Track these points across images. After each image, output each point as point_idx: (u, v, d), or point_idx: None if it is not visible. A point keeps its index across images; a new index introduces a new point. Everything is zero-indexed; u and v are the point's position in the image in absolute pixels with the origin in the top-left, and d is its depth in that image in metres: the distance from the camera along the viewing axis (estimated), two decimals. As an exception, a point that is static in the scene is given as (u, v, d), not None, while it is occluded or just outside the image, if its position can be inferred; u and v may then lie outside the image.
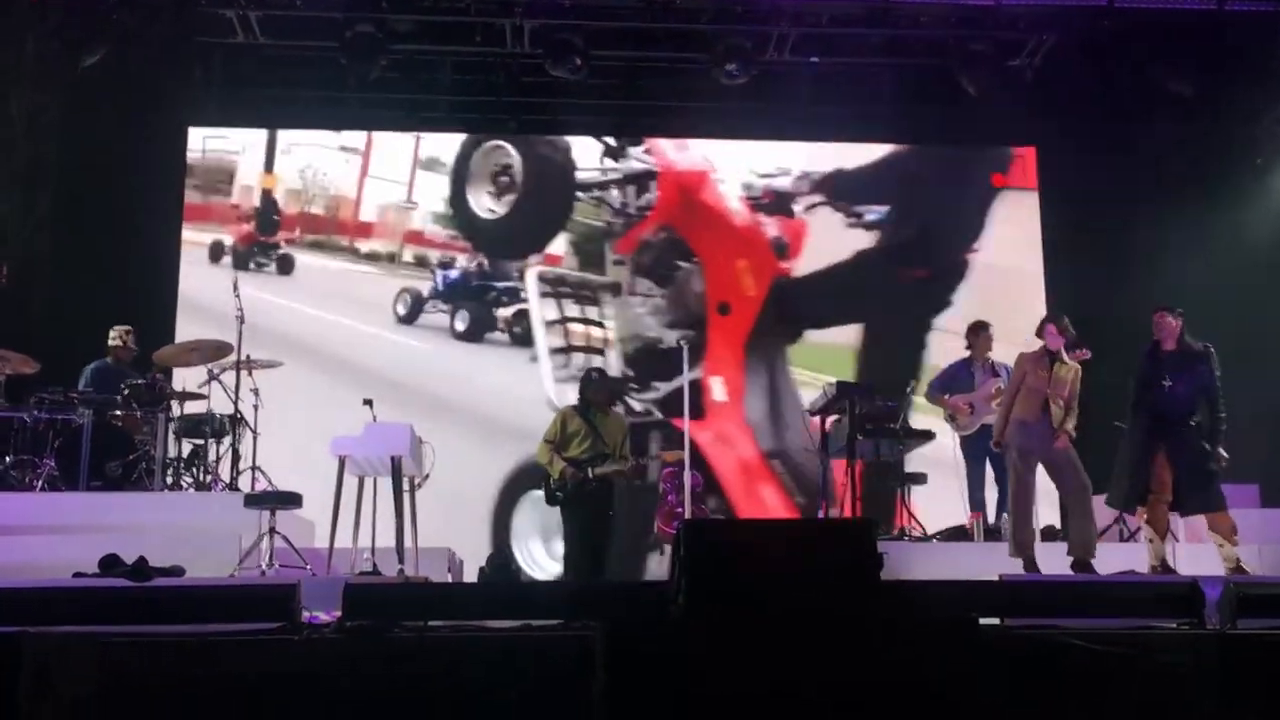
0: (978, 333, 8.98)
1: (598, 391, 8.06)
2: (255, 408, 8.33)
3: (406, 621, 5.04)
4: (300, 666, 4.69)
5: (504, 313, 10.89)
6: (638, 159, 11.14)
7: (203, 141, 10.99)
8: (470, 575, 8.32)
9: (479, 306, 10.89)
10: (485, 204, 11.01)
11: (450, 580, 7.72)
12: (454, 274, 10.94)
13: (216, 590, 5.36)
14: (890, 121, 11.08)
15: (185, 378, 8.79)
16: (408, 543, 7.03)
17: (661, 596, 4.82)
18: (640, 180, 11.16)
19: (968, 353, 8.98)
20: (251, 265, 10.92)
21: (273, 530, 6.84)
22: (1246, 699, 4.79)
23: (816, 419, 8.21)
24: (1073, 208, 11.10)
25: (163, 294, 10.52)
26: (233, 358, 8.23)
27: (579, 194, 11.12)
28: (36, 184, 9.85)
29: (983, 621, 5.15)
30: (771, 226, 11.19)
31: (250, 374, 8.37)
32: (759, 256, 11.07)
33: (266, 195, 11.07)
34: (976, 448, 8.72)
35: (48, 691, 3.81)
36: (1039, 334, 7.60)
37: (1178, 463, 7.16)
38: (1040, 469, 7.42)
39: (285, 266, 10.98)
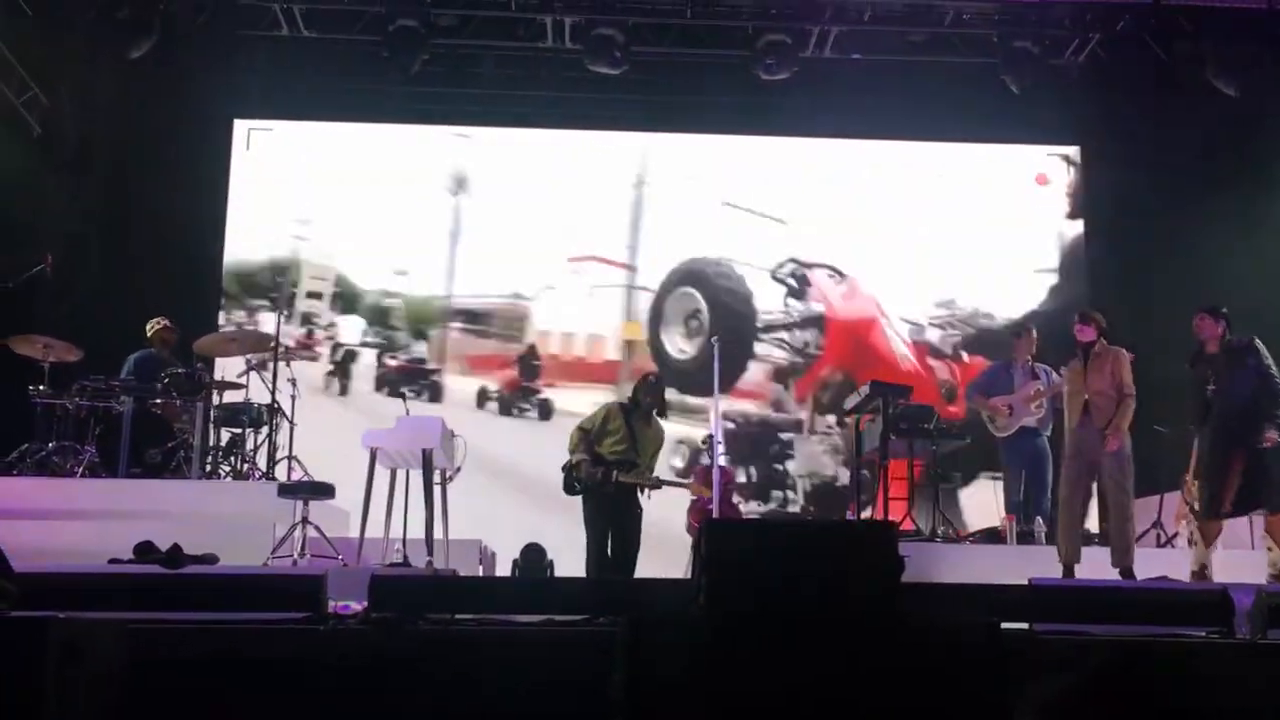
0: (1019, 335, 8.92)
1: (650, 394, 7.95)
2: (293, 398, 8.43)
3: (431, 614, 5.08)
4: (325, 656, 4.73)
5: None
6: (814, 301, 11.30)
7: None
8: (503, 568, 8.36)
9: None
10: (678, 344, 11.24)
11: (481, 572, 7.77)
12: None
13: (245, 579, 5.42)
14: (933, 119, 10.98)
15: (225, 367, 8.92)
16: (438, 534, 7.09)
17: (684, 594, 4.82)
18: (817, 323, 11.31)
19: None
20: (514, 411, 11.13)
21: (305, 520, 6.92)
22: (1276, 710, 4.72)
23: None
24: (1118, 206, 10.98)
25: (207, 284, 10.66)
26: (271, 348, 8.31)
27: (761, 335, 11.26)
28: (83, 172, 10.01)
29: (1010, 626, 5.15)
30: (941, 370, 11.18)
31: (289, 364, 8.47)
32: (927, 399, 10.49)
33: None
34: (1015, 450, 8.67)
35: (73, 675, 3.87)
36: (1073, 332, 7.55)
37: (1248, 464, 7.05)
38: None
39: (546, 412, 11.14)
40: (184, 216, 10.43)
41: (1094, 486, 7.52)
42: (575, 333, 11.31)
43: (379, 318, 11.17)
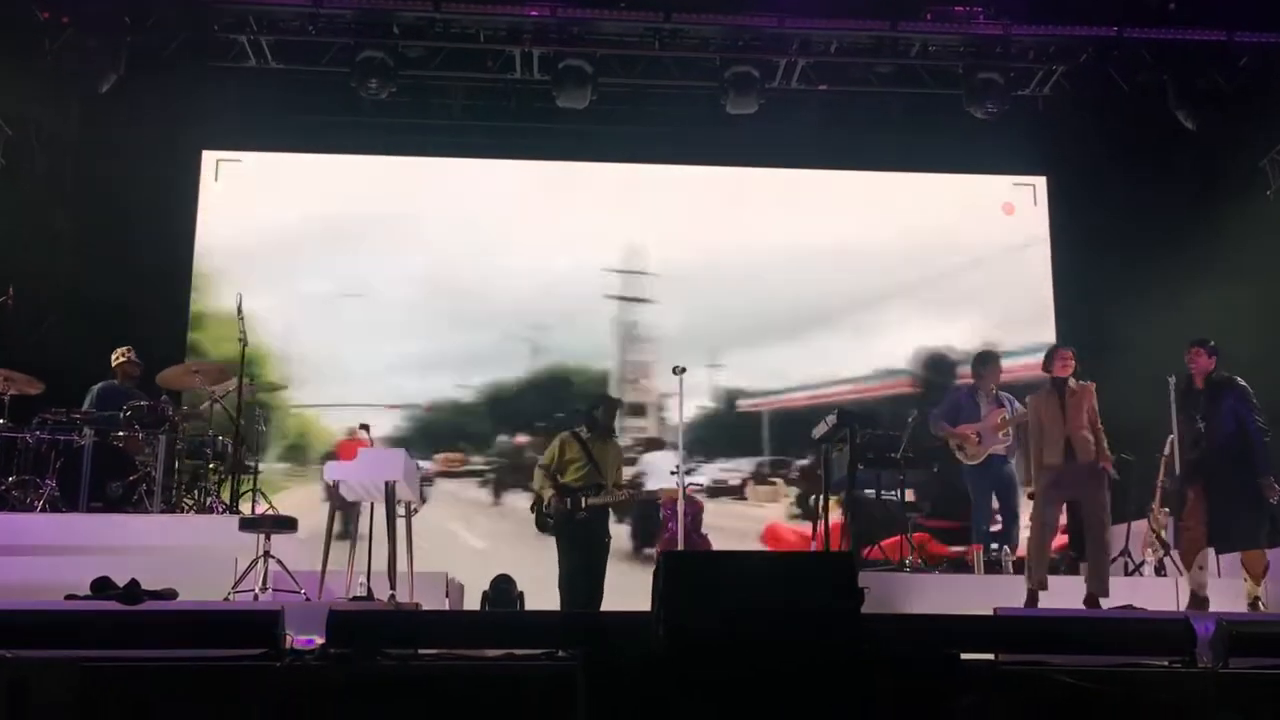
0: (985, 363, 8.94)
1: (607, 414, 8.09)
2: (258, 430, 8.38)
3: (390, 649, 5.03)
4: (281, 693, 4.69)
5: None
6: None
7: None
8: (471, 600, 8.30)
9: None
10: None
11: (447, 605, 7.71)
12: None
13: (202, 615, 5.36)
14: (900, 150, 11.07)
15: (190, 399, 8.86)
16: (402, 567, 7.02)
17: (643, 627, 4.79)
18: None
19: (972, 381, 8.94)
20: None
21: (267, 554, 6.85)
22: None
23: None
24: (1083, 237, 11.07)
25: (173, 316, 10.59)
26: (235, 381, 8.26)
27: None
28: (51, 205, 9.95)
29: (975, 657, 5.14)
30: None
31: (253, 396, 8.42)
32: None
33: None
34: (983, 478, 8.68)
35: (21, 715, 3.81)
36: (1046, 365, 7.57)
37: (1212, 499, 7.14)
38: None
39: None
40: (151, 248, 10.36)
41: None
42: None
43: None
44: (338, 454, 10.62)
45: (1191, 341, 7.49)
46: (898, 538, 8.69)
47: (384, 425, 10.51)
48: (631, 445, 10.75)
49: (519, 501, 10.36)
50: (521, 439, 11.12)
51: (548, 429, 10.30)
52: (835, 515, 8.12)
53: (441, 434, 11.05)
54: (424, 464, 10.23)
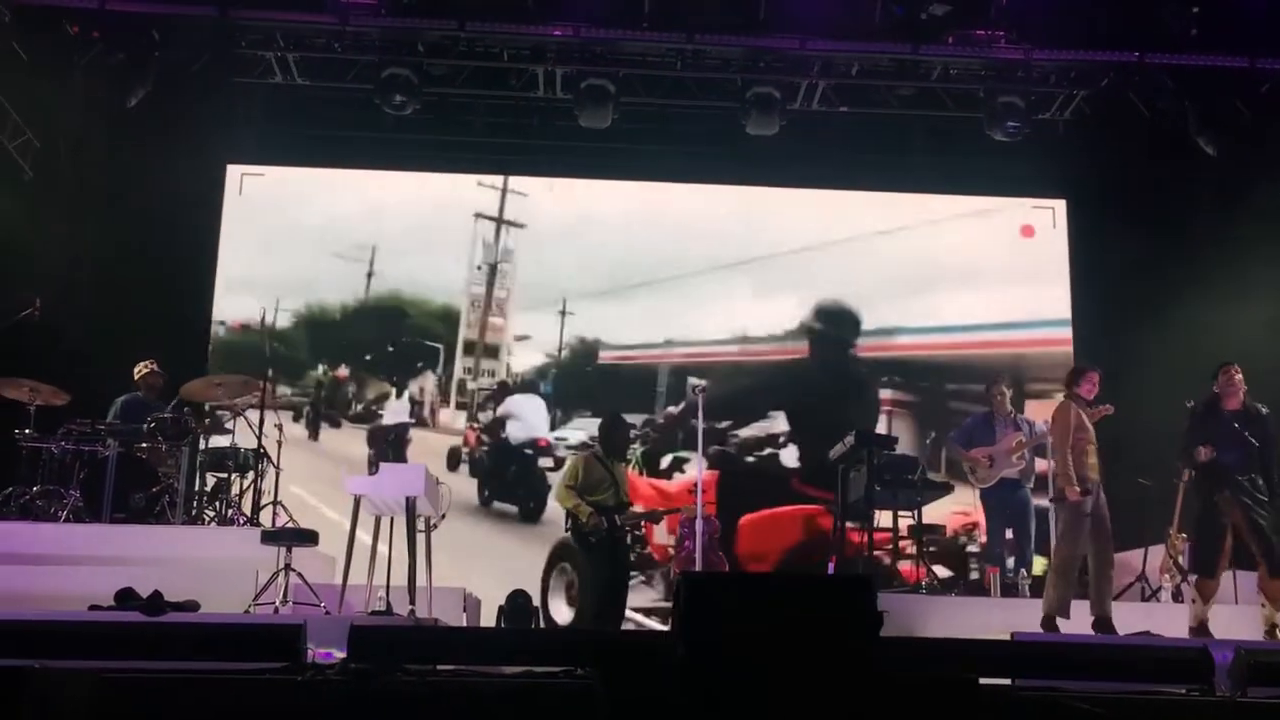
0: (996, 386, 8.97)
1: (621, 433, 8.17)
2: (279, 443, 8.44)
3: (410, 664, 5.06)
4: (302, 707, 4.71)
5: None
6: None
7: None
8: (487, 615, 8.34)
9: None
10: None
11: (465, 620, 7.75)
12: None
13: (224, 628, 5.40)
14: (921, 172, 11.10)
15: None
16: (421, 582, 7.07)
17: (662, 646, 4.82)
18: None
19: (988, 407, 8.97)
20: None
21: (288, 567, 6.90)
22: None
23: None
24: (1101, 260, 11.07)
25: (196, 329, 10.68)
26: (258, 394, 8.33)
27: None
28: (77, 217, 10.05)
29: (992, 681, 5.15)
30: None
31: (275, 410, 8.49)
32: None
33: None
34: (996, 501, 8.69)
35: (49, 725, 3.86)
36: (1074, 384, 7.53)
37: (1251, 524, 7.10)
38: None
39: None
40: (175, 261, 10.47)
41: None
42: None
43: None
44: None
45: (1225, 364, 7.42)
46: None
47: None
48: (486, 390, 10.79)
49: (336, 441, 10.49)
50: (343, 372, 11.06)
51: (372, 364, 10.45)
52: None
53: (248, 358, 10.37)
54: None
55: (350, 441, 10.85)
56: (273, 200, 11.18)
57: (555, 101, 10.56)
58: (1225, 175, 10.13)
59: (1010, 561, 8.50)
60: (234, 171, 11.18)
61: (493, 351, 11.18)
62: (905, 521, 8.62)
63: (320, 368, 11.05)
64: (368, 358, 11.04)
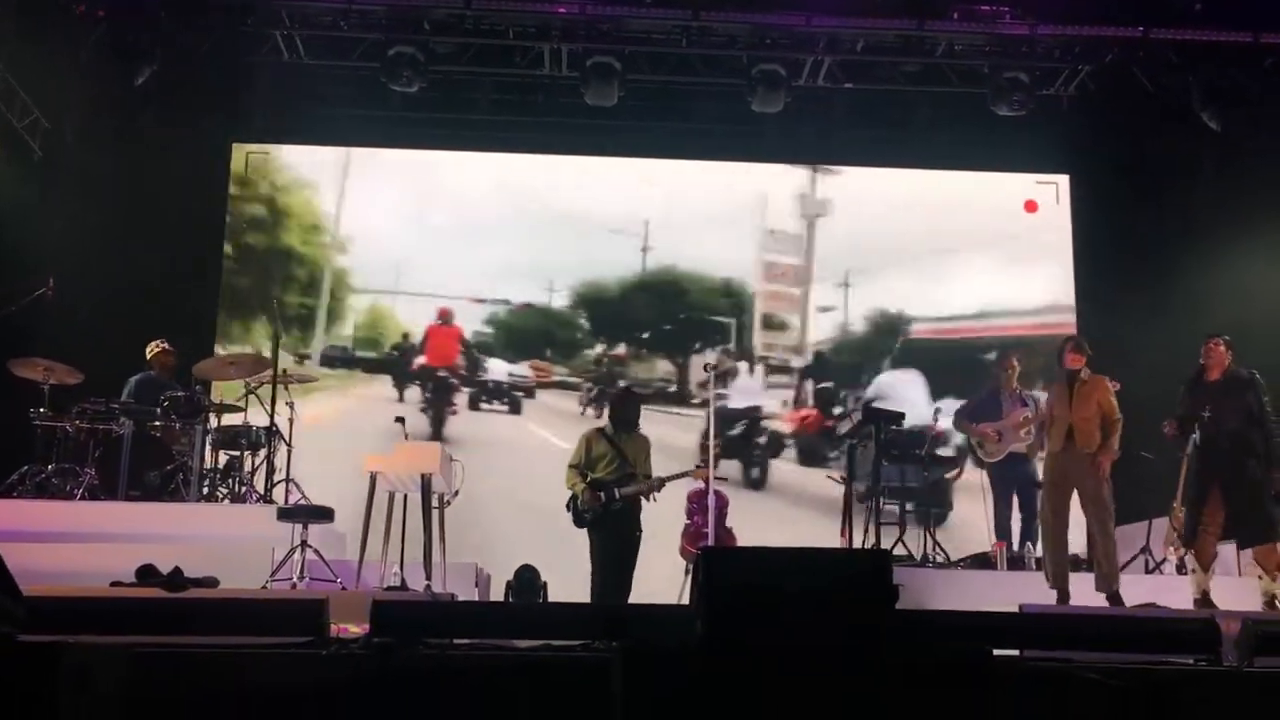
0: (1005, 363, 9.05)
1: (629, 407, 8.22)
2: (290, 421, 8.51)
3: (431, 639, 5.14)
4: (328, 681, 4.79)
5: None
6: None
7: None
8: (497, 590, 8.43)
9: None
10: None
11: (477, 595, 7.84)
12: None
13: (248, 603, 5.48)
14: (925, 147, 11.13)
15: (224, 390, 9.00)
16: (435, 558, 7.15)
17: (681, 621, 4.89)
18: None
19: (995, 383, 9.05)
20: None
21: (304, 543, 6.98)
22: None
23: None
24: (1106, 236, 11.12)
25: (206, 307, 10.74)
26: (270, 372, 8.39)
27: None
28: (86, 196, 10.08)
29: (1001, 653, 5.23)
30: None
31: (287, 388, 8.55)
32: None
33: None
34: (1004, 475, 8.78)
35: (83, 701, 3.93)
36: (1059, 358, 7.69)
37: (1230, 495, 7.19)
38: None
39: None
40: (184, 239, 10.52)
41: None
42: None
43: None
44: (427, 341, 10.95)
45: (1209, 334, 7.55)
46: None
47: (465, 324, 10.93)
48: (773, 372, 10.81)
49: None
50: (621, 351, 11.14)
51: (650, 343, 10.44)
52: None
53: (528, 341, 11.07)
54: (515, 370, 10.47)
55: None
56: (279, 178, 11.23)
57: (561, 79, 10.57)
58: (1229, 150, 10.16)
59: (1016, 535, 8.61)
60: (240, 150, 11.21)
61: (778, 325, 11.22)
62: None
63: (599, 347, 11.18)
64: (645, 335, 11.08)
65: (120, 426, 8.02)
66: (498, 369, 11.10)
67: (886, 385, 10.91)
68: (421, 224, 11.23)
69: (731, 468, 10.40)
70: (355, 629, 5.45)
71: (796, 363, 11.26)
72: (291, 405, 8.58)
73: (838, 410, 10.85)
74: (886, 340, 11.20)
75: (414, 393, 11.09)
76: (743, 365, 11.20)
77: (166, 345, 8.87)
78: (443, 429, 10.85)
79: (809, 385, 11.08)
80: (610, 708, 4.46)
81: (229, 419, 8.52)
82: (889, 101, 10.91)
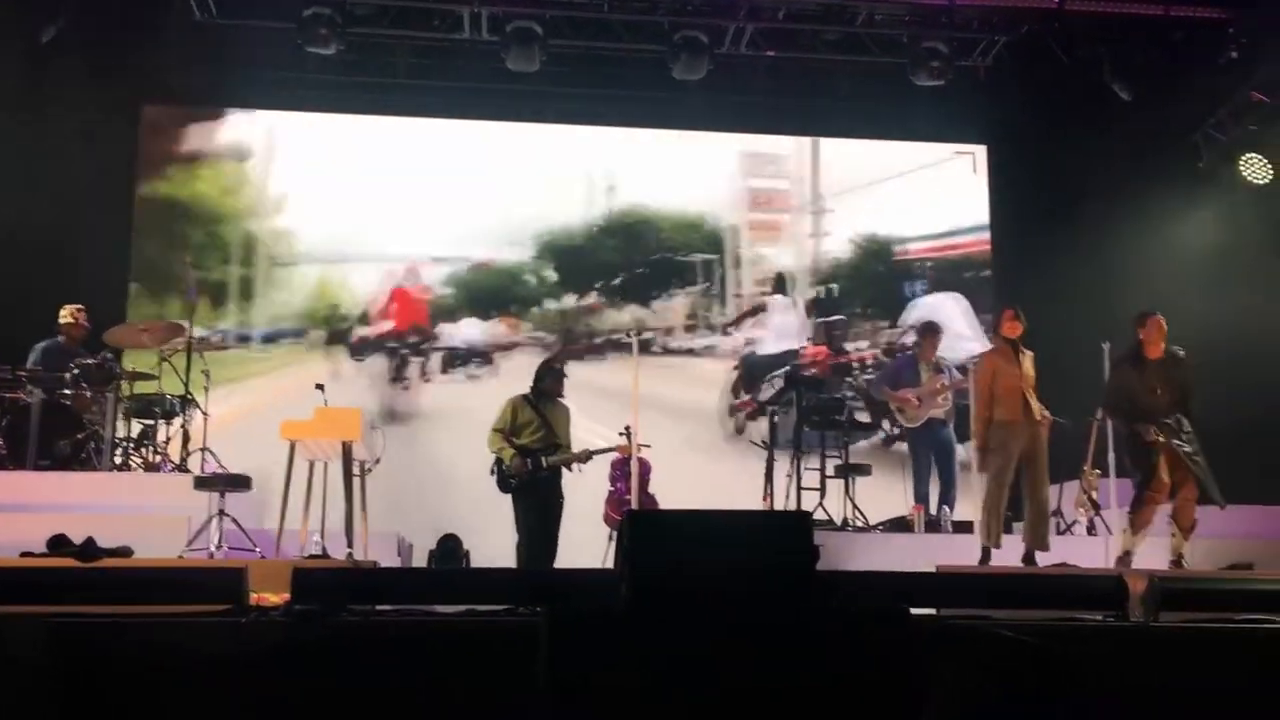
0: (927, 334, 9.21)
1: (554, 378, 8.20)
2: (205, 389, 8.36)
3: (354, 605, 5.11)
4: (248, 649, 4.73)
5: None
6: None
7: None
8: (419, 559, 8.40)
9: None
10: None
11: (400, 564, 7.80)
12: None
13: (165, 571, 5.40)
14: (845, 117, 11.22)
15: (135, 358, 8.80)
16: (357, 527, 7.10)
17: (606, 584, 4.92)
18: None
19: (914, 351, 9.20)
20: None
21: (222, 512, 6.88)
22: (1166, 690, 4.97)
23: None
24: (1020, 205, 11.32)
25: (115, 273, 10.47)
26: (184, 339, 8.23)
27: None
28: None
29: (920, 611, 5.34)
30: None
31: (201, 356, 8.39)
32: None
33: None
34: (923, 441, 8.94)
35: (2, 670, 3.85)
36: (996, 326, 7.80)
37: (1196, 462, 7.35)
38: None
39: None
40: (92, 201, 10.22)
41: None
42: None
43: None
44: (392, 304, 10.71)
45: (1148, 312, 7.60)
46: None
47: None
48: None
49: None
50: (594, 300, 10.90)
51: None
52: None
53: (492, 298, 10.74)
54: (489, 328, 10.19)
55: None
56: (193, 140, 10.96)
57: (481, 44, 10.44)
58: (1139, 123, 10.36)
59: (934, 499, 8.77)
60: (150, 111, 10.93)
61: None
62: (833, 462, 8.82)
63: (567, 299, 10.81)
64: (616, 281, 10.71)
65: (28, 395, 7.81)
66: (470, 329, 10.86)
67: (928, 309, 10.85)
68: (361, 189, 10.97)
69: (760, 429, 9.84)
70: (275, 598, 5.40)
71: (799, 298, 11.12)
72: (207, 373, 8.42)
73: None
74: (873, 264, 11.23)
75: (378, 363, 10.80)
76: (776, 298, 11.02)
77: (82, 316, 8.63)
78: (418, 398, 10.61)
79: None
80: (537, 672, 4.47)
81: (142, 387, 8.33)
82: (810, 70, 10.97)
